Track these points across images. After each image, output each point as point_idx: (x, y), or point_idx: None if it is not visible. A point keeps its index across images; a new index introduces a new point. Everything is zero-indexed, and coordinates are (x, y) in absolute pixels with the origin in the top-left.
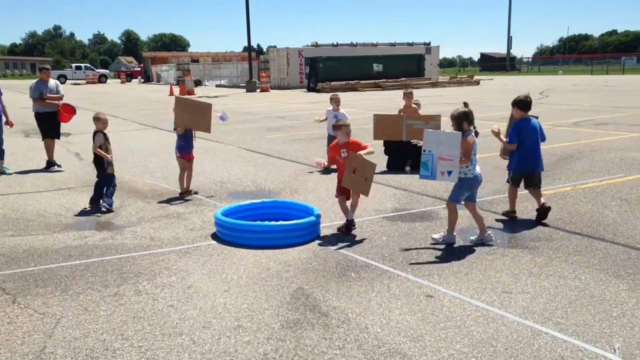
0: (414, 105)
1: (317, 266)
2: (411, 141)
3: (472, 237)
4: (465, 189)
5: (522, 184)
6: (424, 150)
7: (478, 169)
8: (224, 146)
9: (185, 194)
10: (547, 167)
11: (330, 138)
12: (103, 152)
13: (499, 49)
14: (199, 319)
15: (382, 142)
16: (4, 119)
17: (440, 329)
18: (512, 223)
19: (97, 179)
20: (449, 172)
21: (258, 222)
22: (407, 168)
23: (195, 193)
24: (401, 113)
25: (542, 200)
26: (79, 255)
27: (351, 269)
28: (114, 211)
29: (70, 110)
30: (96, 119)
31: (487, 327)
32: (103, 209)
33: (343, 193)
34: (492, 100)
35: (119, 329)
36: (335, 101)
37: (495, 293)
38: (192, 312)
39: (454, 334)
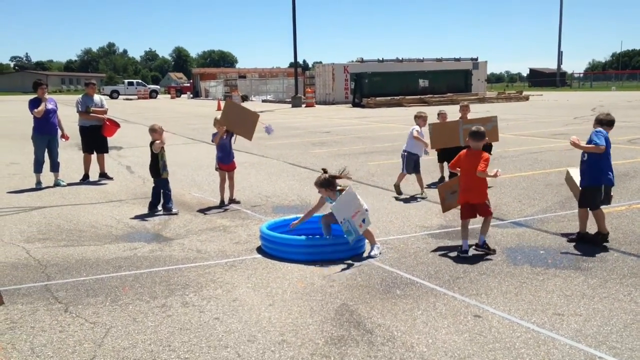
0: (441, 113)
1: (361, 282)
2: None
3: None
4: None
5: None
6: (341, 222)
7: None
8: (269, 160)
9: (225, 204)
10: None
11: (415, 157)
12: (160, 141)
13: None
14: (244, 333)
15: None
16: (59, 133)
17: (489, 350)
18: (566, 243)
19: (153, 185)
20: (364, 220)
21: (303, 237)
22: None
23: (238, 202)
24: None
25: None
26: (128, 266)
27: (396, 286)
28: (177, 213)
29: (115, 125)
30: (152, 130)
31: (537, 349)
32: (168, 212)
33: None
34: (541, 117)
35: (166, 340)
36: (424, 119)
37: (546, 315)
38: (237, 325)
39: (503, 355)
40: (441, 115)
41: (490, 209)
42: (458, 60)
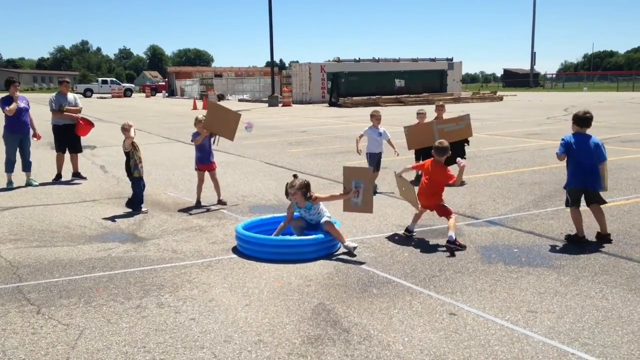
0: (420, 113)
1: (338, 281)
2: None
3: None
4: None
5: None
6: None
7: None
8: (245, 160)
9: (201, 204)
10: None
11: (371, 156)
12: (128, 137)
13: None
14: (220, 333)
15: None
16: (31, 132)
17: (464, 347)
18: (539, 241)
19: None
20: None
21: (279, 237)
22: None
23: (224, 204)
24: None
25: (605, 226)
26: (102, 267)
27: (373, 284)
28: (146, 212)
29: (88, 124)
30: (122, 129)
31: (511, 346)
32: (137, 212)
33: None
34: (516, 117)
35: (141, 341)
36: (376, 118)
37: (520, 312)
38: (213, 326)
39: (478, 353)
40: (420, 115)
41: (449, 207)
42: (433, 60)
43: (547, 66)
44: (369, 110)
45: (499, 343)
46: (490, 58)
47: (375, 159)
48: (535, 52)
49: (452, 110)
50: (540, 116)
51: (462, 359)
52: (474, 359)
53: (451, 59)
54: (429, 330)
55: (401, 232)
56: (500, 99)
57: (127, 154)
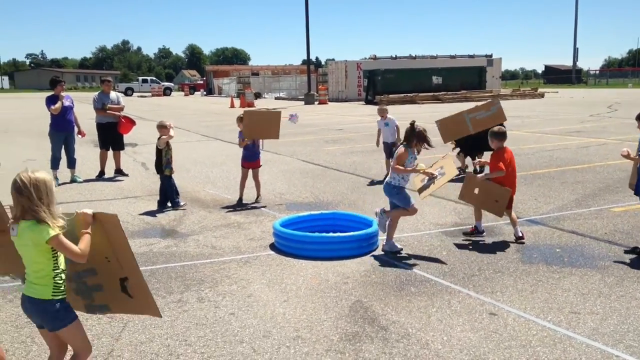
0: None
1: (375, 279)
2: None
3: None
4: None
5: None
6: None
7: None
8: (282, 157)
9: (243, 202)
10: (618, 183)
11: (387, 146)
12: (167, 136)
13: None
14: (259, 328)
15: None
16: (76, 129)
17: (504, 348)
18: (582, 241)
19: (160, 182)
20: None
21: (316, 234)
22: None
23: (258, 202)
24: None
25: None
26: (144, 261)
27: (410, 283)
28: (185, 207)
29: (130, 122)
30: (161, 126)
31: (553, 348)
32: (176, 207)
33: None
34: (557, 114)
35: (182, 334)
36: (381, 111)
37: (562, 313)
38: (252, 321)
39: (519, 353)
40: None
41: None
42: (472, 57)
43: (590, 62)
44: (406, 108)
45: (541, 344)
46: (531, 54)
47: (387, 148)
48: (577, 48)
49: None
50: (583, 113)
51: (503, 359)
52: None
53: (490, 55)
54: (468, 329)
55: (437, 230)
56: (542, 95)
57: (160, 151)
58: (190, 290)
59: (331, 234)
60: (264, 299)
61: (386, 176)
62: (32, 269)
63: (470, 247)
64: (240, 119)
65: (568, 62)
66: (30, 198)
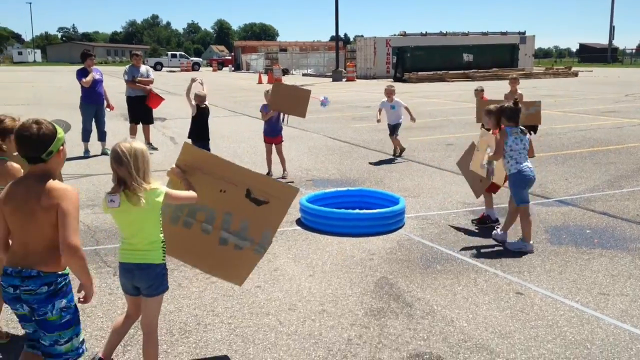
0: (478, 90)
1: (401, 256)
2: None
3: (510, 241)
4: (516, 187)
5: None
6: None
7: (522, 166)
8: (309, 134)
9: (272, 175)
10: None
11: (389, 126)
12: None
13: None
14: (285, 301)
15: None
16: (105, 102)
17: (531, 327)
18: (613, 222)
19: None
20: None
21: (343, 210)
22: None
23: (284, 178)
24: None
25: None
26: None
27: (436, 261)
28: None
29: (158, 97)
30: (200, 97)
31: (581, 328)
32: None
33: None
34: (591, 93)
35: (210, 305)
36: (388, 92)
37: (591, 294)
38: (278, 294)
39: (545, 333)
40: (512, 81)
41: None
42: (504, 34)
43: (627, 41)
44: (435, 85)
45: (568, 324)
46: (566, 32)
47: (390, 128)
48: (614, 26)
49: (523, 86)
50: (618, 93)
51: (529, 338)
52: (541, 339)
53: (523, 33)
54: (494, 308)
55: (464, 209)
56: (575, 74)
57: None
58: None
59: (357, 211)
60: (289, 273)
61: (394, 153)
62: (141, 236)
63: (498, 226)
64: (267, 93)
65: (604, 41)
66: (128, 167)
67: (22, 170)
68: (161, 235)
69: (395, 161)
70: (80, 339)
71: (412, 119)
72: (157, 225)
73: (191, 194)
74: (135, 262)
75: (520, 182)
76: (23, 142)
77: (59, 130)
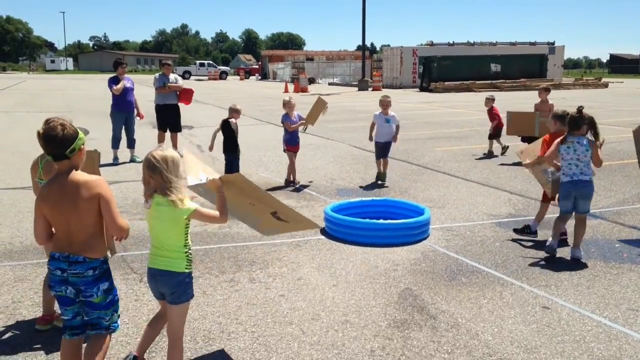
0: (550, 102)
1: (425, 268)
2: None
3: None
4: (563, 194)
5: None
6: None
7: (571, 174)
8: (334, 143)
9: (290, 184)
10: None
11: (379, 146)
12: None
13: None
14: (308, 311)
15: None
16: (135, 110)
17: (557, 342)
18: None
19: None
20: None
21: (367, 220)
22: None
23: (297, 184)
24: (537, 110)
25: None
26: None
27: (461, 273)
28: None
29: (188, 92)
30: (231, 109)
31: (609, 344)
32: None
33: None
34: (622, 105)
35: (234, 313)
36: (384, 104)
37: (619, 309)
38: (301, 303)
39: (572, 348)
40: (543, 91)
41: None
42: (533, 44)
43: None
44: (462, 95)
45: (595, 340)
46: (596, 42)
47: (379, 147)
48: None
49: (552, 97)
50: None
51: (555, 353)
52: (568, 355)
53: (552, 43)
54: (520, 322)
55: (490, 221)
56: (605, 85)
57: (231, 132)
58: (242, 271)
59: (382, 221)
60: (313, 283)
61: (379, 178)
62: (166, 242)
63: (525, 239)
64: (286, 103)
65: (635, 51)
66: (162, 174)
67: None
68: (187, 245)
69: (420, 172)
70: (118, 315)
71: (395, 139)
72: (182, 236)
73: (216, 215)
74: (158, 267)
75: (561, 192)
76: (50, 141)
77: (80, 132)
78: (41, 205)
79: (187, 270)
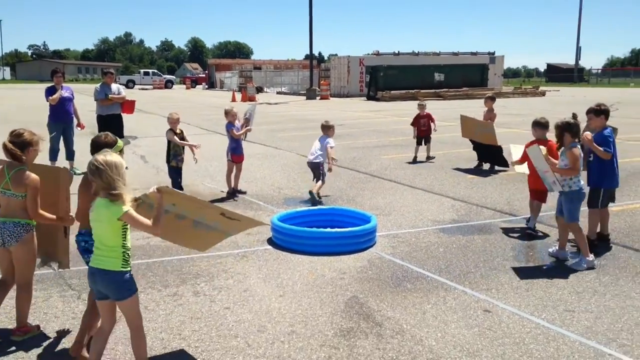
0: (420, 105)
1: (372, 275)
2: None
3: (551, 250)
4: (577, 203)
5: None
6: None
7: (582, 182)
8: (282, 152)
9: (233, 194)
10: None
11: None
12: (176, 140)
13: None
14: (254, 323)
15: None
16: (75, 121)
17: (498, 345)
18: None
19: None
20: (555, 182)
21: (314, 229)
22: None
23: (244, 193)
24: (485, 119)
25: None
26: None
27: (407, 279)
28: None
29: (131, 102)
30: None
31: (547, 345)
32: None
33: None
34: (558, 112)
35: (177, 328)
36: (231, 114)
37: (557, 311)
38: (247, 316)
39: (512, 351)
40: (488, 99)
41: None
42: (475, 54)
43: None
44: (407, 104)
45: (534, 341)
46: (534, 52)
47: (310, 167)
48: (580, 47)
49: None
50: (583, 112)
51: (496, 356)
52: (509, 357)
53: (493, 53)
54: (462, 326)
55: (435, 227)
56: (543, 94)
57: (168, 142)
58: (186, 284)
59: (329, 230)
60: (259, 294)
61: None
62: (103, 243)
63: (467, 244)
64: (227, 112)
65: (570, 61)
66: (102, 177)
67: (39, 179)
68: (125, 245)
69: (367, 180)
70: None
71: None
72: (118, 236)
73: (148, 223)
74: (96, 266)
75: (580, 200)
76: (95, 146)
77: (119, 141)
78: (84, 193)
79: (123, 269)
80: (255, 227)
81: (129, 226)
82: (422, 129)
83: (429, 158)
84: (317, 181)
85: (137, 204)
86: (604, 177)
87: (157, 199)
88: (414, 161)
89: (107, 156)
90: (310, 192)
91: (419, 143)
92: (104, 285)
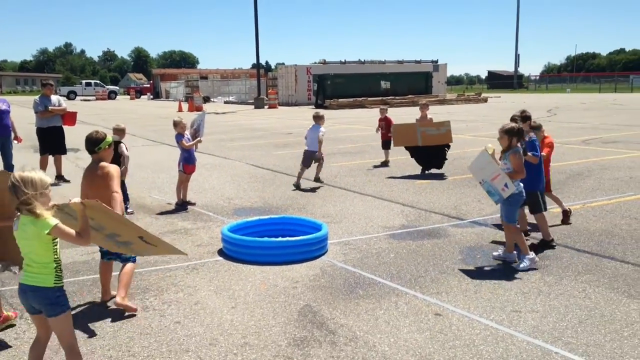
0: (429, 117)
1: (324, 283)
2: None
3: (495, 253)
4: (517, 205)
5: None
6: (480, 183)
7: (522, 185)
8: (231, 162)
9: (183, 205)
10: (555, 185)
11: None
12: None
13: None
14: (206, 336)
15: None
16: (12, 134)
17: (449, 347)
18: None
19: None
20: (506, 185)
21: (265, 239)
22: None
23: (193, 204)
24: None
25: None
26: (86, 270)
27: (359, 286)
28: (132, 213)
29: (72, 113)
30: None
31: (496, 346)
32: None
33: None
34: (500, 118)
35: (125, 345)
36: (180, 126)
37: (504, 312)
38: (198, 329)
39: (463, 353)
40: (423, 107)
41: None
42: (419, 62)
43: (531, 68)
44: (355, 112)
45: (484, 343)
46: (475, 60)
47: (306, 155)
48: (519, 54)
49: (438, 112)
50: None
51: (448, 358)
52: (459, 359)
53: (436, 61)
54: (414, 330)
55: (385, 233)
56: (485, 100)
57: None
58: (134, 299)
59: (280, 239)
60: (211, 306)
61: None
62: (33, 259)
63: (417, 249)
64: (176, 123)
65: (510, 68)
66: (17, 194)
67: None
68: (56, 260)
69: (318, 188)
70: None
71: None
72: (49, 252)
73: (74, 234)
74: (27, 283)
75: (519, 202)
76: (87, 141)
77: (108, 136)
78: (83, 181)
79: (56, 285)
80: (205, 238)
81: (58, 240)
82: (382, 132)
83: (383, 163)
84: (305, 168)
85: (54, 211)
86: (538, 180)
87: (80, 211)
88: (384, 164)
89: (25, 172)
90: (316, 180)
91: (382, 147)
92: (36, 302)
